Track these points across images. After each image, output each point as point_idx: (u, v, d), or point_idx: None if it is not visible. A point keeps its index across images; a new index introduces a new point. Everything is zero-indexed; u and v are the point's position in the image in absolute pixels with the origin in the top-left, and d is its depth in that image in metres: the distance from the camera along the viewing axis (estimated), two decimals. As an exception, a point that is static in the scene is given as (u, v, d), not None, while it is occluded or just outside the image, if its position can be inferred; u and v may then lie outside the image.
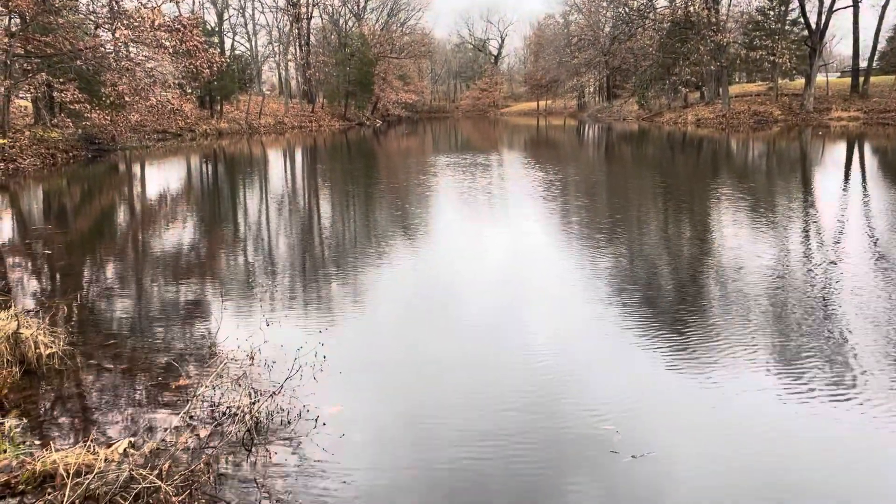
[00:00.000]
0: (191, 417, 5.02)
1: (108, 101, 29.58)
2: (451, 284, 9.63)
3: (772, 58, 48.73)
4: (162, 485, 4.00)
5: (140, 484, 3.94)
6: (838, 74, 66.06)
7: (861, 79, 49.94)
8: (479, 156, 31.81)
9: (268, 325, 6.62)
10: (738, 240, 11.75)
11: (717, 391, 5.82)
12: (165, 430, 5.00)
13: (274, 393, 5.09)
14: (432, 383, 6.26)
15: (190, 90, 47.17)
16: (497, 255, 11.14)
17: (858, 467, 4.72)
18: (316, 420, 5.28)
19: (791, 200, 16.48)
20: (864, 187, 18.38)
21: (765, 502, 4.34)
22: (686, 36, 52.54)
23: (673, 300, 8.54)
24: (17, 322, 6.37)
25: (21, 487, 4.33)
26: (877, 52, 51.94)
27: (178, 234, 14.10)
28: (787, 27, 51.31)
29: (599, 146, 39.51)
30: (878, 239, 11.81)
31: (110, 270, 11.02)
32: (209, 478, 4.44)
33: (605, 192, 19.03)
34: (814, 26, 48.06)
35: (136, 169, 29.44)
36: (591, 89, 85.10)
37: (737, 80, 68.58)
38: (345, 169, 28.23)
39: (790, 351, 6.68)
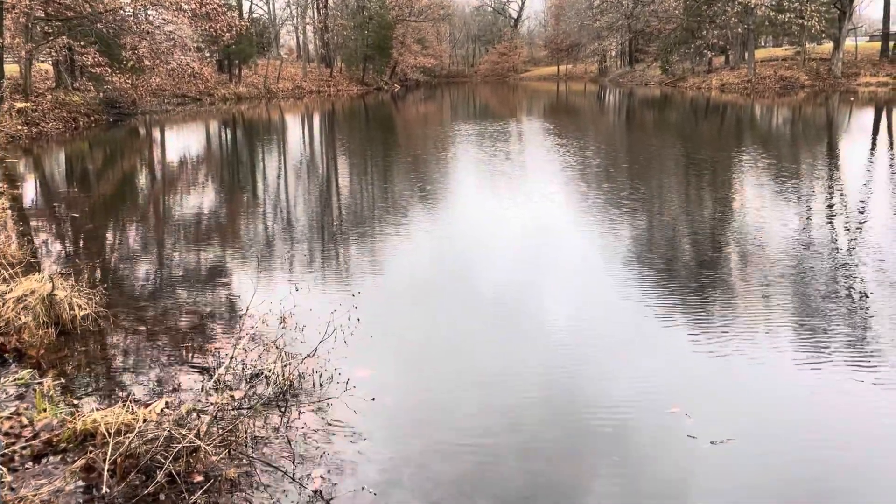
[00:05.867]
0: (226, 379, 5.10)
1: (128, 65, 29.57)
2: (475, 253, 9.64)
3: (800, 21, 47.52)
4: (201, 444, 4.08)
5: (180, 443, 4.03)
6: (867, 38, 64.32)
7: (891, 43, 48.64)
8: (498, 123, 31.55)
9: (297, 290, 6.68)
10: (763, 211, 11.62)
11: (757, 369, 5.68)
12: (200, 390, 5.09)
13: (308, 355, 5.16)
14: (463, 348, 6.32)
15: (209, 54, 46.99)
16: (518, 224, 11.10)
17: None
18: (346, 383, 5.35)
19: (816, 169, 16.22)
20: (892, 155, 18.03)
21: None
22: (712, -2, 51.31)
23: (700, 273, 8.50)
24: (51, 284, 6.47)
25: (63, 445, 4.44)
26: (908, 16, 50.44)
27: (202, 199, 14.18)
28: (816, -11, 49.93)
29: (621, 112, 39.01)
30: (907, 207, 11.63)
31: (137, 234, 11.14)
32: (245, 437, 4.53)
33: (627, 162, 18.84)
34: (844, -12, 46.72)
35: (157, 133, 29.54)
36: (613, 53, 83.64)
37: (763, 44, 67.05)
38: (363, 135, 28.13)
39: (823, 326, 6.64)
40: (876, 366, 5.63)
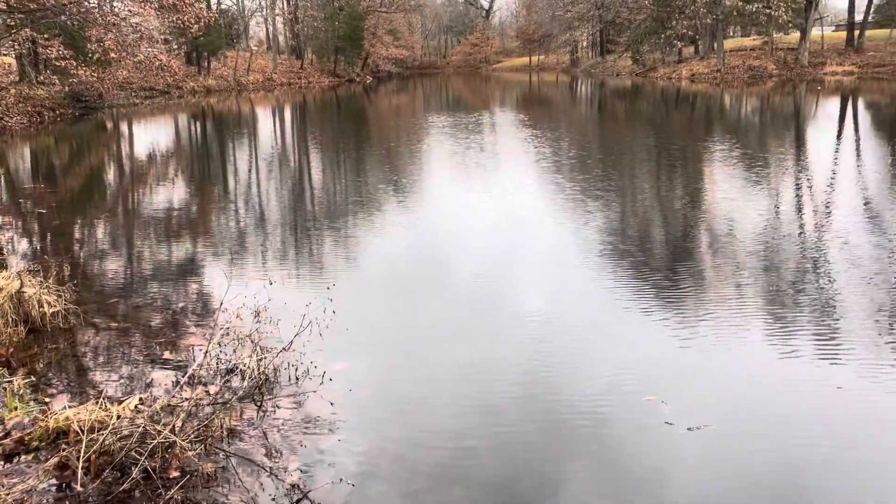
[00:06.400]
0: (200, 374, 5.06)
1: (94, 58, 29.02)
2: (450, 246, 9.66)
3: (767, 11, 48.13)
4: (177, 439, 4.06)
5: (155, 439, 4.00)
6: (833, 28, 65.39)
7: (856, 32, 49.50)
8: (471, 114, 31.56)
9: (271, 284, 6.64)
10: (732, 200, 11.78)
11: (732, 357, 5.77)
12: (175, 386, 5.05)
13: (283, 349, 5.14)
14: (439, 340, 6.34)
15: (177, 46, 46.28)
16: (493, 216, 11.13)
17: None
18: (323, 376, 5.35)
19: (785, 158, 16.48)
20: (857, 143, 18.39)
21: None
22: (681, -11, 51.74)
23: (674, 263, 8.61)
24: (19, 281, 6.36)
25: (35, 444, 4.38)
26: (872, 5, 51.32)
27: (172, 194, 14.01)
28: (782, -21, 50.57)
29: (593, 103, 39.23)
30: (869, 195, 11.87)
31: (107, 230, 10.98)
32: (221, 432, 4.51)
33: (601, 152, 18.97)
34: (810, -21, 47.38)
35: (125, 127, 29.07)
36: (584, 44, 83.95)
37: (732, 34, 67.75)
38: (336, 128, 27.96)
39: (795, 314, 6.77)
40: (847, 352, 5.75)
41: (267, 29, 74.52)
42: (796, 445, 4.47)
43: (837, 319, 6.35)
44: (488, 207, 11.61)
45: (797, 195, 11.97)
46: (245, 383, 4.97)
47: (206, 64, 53.85)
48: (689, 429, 4.64)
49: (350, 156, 18.92)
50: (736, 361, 5.62)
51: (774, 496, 4.02)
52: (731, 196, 11.79)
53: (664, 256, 8.68)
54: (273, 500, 4.00)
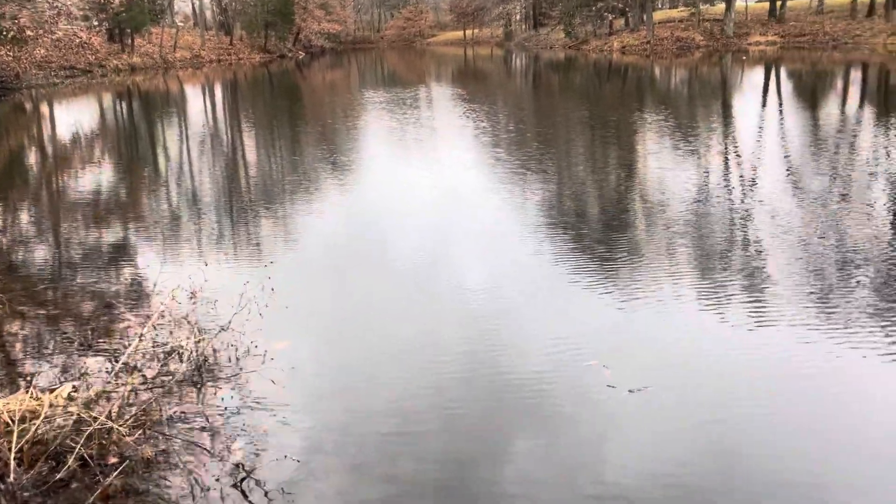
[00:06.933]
0: (137, 359, 4.95)
1: (8, 36, 27.54)
2: (390, 222, 9.63)
3: (694, -17, 49.11)
4: (114, 425, 3.97)
5: (91, 426, 3.90)
6: None
7: (778, 3, 51.01)
8: (407, 89, 31.34)
9: (206, 266, 6.51)
10: (666, 170, 12.09)
11: (667, 321, 5.98)
12: (110, 373, 4.93)
13: (222, 329, 5.06)
14: (381, 315, 6.35)
15: (97, 23, 44.29)
16: (432, 192, 11.13)
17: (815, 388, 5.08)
18: (264, 355, 5.29)
19: (712, 127, 16.97)
20: (781, 112, 19.07)
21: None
22: (610, -39, 52.24)
23: (609, 233, 8.80)
24: (-64, 271, 6.06)
25: (-38, 437, 4.22)
26: (793, -23, 52.92)
27: (100, 176, 13.51)
28: (708, -48, 51.57)
29: (528, 76, 39.45)
30: (794, 162, 12.37)
31: (31, 215, 10.54)
32: (160, 416, 4.43)
33: (537, 126, 19.14)
34: (734, -49, 48.46)
35: (45, 108, 27.77)
36: (518, 17, 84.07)
37: (660, 6, 68.84)
38: (269, 105, 27.37)
39: (725, 278, 7.03)
40: (779, 316, 5.98)
41: (193, 4, 71.97)
42: (730, 405, 4.66)
43: (768, 284, 6.62)
44: (428, 184, 11.61)
45: (727, 165, 12.36)
46: (184, 366, 4.88)
47: (129, 41, 51.68)
48: (630, 391, 4.79)
49: (285, 134, 18.58)
50: (673, 326, 5.81)
51: (711, 452, 4.19)
52: (665, 166, 12.09)
53: (602, 227, 8.86)
54: (217, 480, 3.96)
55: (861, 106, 19.71)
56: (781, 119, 17.55)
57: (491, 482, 3.97)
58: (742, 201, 9.60)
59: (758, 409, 4.57)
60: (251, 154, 15.89)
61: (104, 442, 4.01)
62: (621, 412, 4.60)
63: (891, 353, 5.17)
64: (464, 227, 9.02)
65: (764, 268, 7.00)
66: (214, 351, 5.28)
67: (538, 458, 4.19)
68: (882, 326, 5.59)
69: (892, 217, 8.56)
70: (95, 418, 3.96)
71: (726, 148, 13.71)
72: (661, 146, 14.15)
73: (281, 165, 14.21)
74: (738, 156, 12.98)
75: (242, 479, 3.97)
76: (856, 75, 28.65)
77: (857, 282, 6.50)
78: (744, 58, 38.93)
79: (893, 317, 5.76)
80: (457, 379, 5.09)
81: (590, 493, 3.84)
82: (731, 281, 6.68)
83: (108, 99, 31.75)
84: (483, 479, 4.00)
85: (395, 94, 27.39)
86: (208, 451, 4.20)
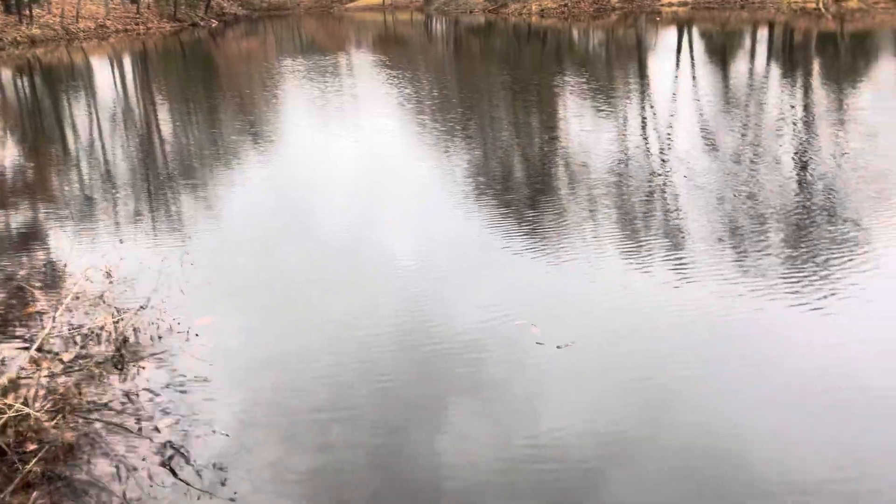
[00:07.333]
0: (52, 342, 4.76)
1: None
2: (313, 193, 9.50)
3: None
4: (30, 411, 3.83)
5: (6, 413, 3.75)
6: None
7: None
8: (327, 56, 30.68)
9: (122, 243, 6.29)
10: (587, 132, 12.30)
11: (591, 280, 6.14)
12: (24, 358, 4.73)
13: (141, 307, 4.92)
14: (308, 288, 6.29)
15: (-11, -8, 41.38)
16: (356, 161, 11.00)
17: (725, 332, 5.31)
18: (187, 332, 5.18)
19: (630, 88, 17.33)
20: (693, 71, 19.63)
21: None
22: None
23: (533, 195, 8.93)
24: None
25: None
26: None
27: (2, 156, 12.77)
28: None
29: (448, 41, 39.24)
30: (707, 119, 12.80)
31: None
32: (80, 400, 4.29)
33: (459, 91, 19.10)
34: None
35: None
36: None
37: (577, -31, 69.21)
38: (183, 76, 26.35)
39: (646, 236, 7.26)
40: (699, 272, 6.19)
41: (94, -29, 68.10)
42: (656, 358, 4.84)
43: (689, 241, 6.85)
44: (352, 153, 11.46)
45: (645, 125, 12.67)
46: (103, 347, 4.73)
47: (27, 11, 48.61)
48: (557, 347, 4.92)
49: (201, 107, 17.96)
50: (597, 285, 5.99)
51: (638, 402, 4.36)
52: (586, 129, 12.30)
53: (529, 191, 8.98)
54: (144, 460, 3.89)
55: (768, 63, 20.50)
56: (695, 79, 18.08)
57: (426, 445, 4.04)
58: (661, 161, 9.89)
59: (683, 363, 4.77)
60: (166, 128, 15.29)
61: (21, 430, 3.87)
62: (551, 368, 4.73)
63: (810, 303, 5.43)
64: (390, 195, 8.98)
65: (685, 225, 7.26)
66: (135, 330, 5.13)
67: (472, 420, 4.27)
68: (801, 277, 5.88)
69: (800, 170, 9.00)
70: (10, 405, 3.81)
71: (644, 109, 14.05)
72: (581, 109, 14.37)
73: (199, 139, 13.76)
74: (655, 116, 13.33)
75: (171, 458, 3.90)
76: (762, 33, 29.69)
77: (774, 234, 6.82)
78: (657, 19, 39.75)
79: (811, 266, 6.06)
80: (387, 350, 5.09)
81: (524, 452, 3.94)
82: (654, 239, 6.91)
83: (6, 74, 29.86)
84: (417, 442, 4.06)
85: (314, 62, 26.77)
86: (133, 432, 4.11)
